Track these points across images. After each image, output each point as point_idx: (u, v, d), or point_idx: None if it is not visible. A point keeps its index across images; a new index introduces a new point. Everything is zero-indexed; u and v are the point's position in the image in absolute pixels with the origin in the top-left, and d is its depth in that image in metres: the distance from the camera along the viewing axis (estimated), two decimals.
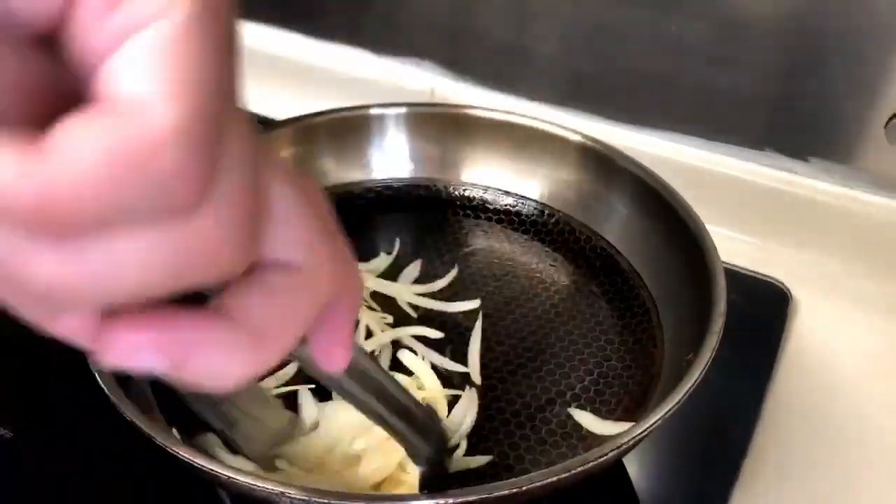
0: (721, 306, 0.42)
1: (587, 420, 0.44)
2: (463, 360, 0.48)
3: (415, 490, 0.39)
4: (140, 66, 0.15)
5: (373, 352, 0.48)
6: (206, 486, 0.42)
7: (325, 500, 0.33)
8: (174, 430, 0.41)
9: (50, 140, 0.14)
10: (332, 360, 0.24)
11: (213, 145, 0.16)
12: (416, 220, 0.59)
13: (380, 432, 0.39)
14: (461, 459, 0.42)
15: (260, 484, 0.33)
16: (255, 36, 0.78)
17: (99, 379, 0.37)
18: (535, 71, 0.68)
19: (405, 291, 0.52)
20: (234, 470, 0.35)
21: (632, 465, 0.46)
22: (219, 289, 0.19)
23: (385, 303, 0.52)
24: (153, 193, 0.15)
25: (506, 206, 0.59)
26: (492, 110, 0.59)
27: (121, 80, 0.15)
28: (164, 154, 0.15)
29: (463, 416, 0.44)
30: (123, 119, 0.14)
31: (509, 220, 0.58)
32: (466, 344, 0.49)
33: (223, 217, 0.16)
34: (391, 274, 0.54)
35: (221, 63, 0.16)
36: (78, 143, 0.14)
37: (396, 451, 0.40)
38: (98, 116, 0.14)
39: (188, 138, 0.15)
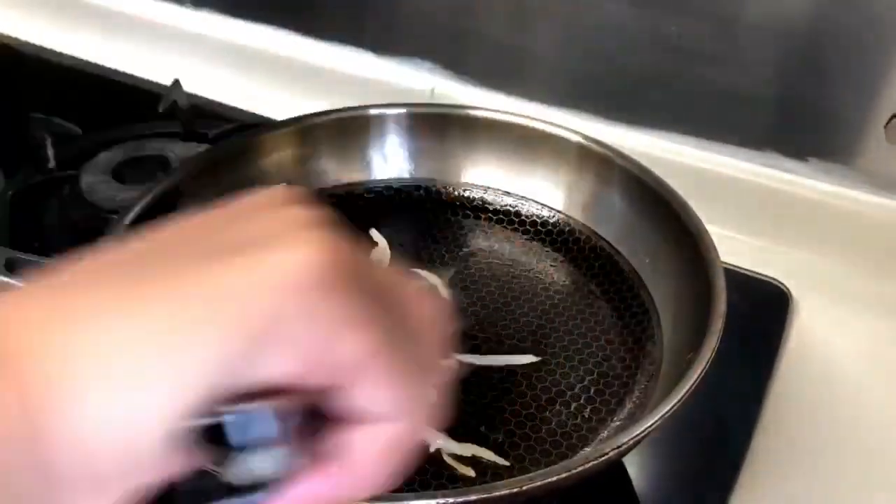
0: (721, 306, 0.42)
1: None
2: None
3: None
4: (378, 397, 0.22)
5: None
6: None
7: None
8: None
9: (349, 456, 0.23)
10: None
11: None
12: (416, 220, 0.59)
13: None
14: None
15: None
16: (256, 36, 0.78)
17: None
18: (535, 71, 0.68)
19: None
20: None
21: (632, 465, 0.46)
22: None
23: None
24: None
25: (506, 206, 0.59)
26: (492, 110, 0.59)
27: (370, 405, 0.22)
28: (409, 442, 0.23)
29: None
30: (385, 430, 0.23)
31: (509, 220, 0.58)
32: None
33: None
34: None
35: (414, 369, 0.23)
36: (372, 459, 0.23)
37: None
38: (376, 433, 0.23)
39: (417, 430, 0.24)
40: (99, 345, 0.19)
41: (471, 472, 0.41)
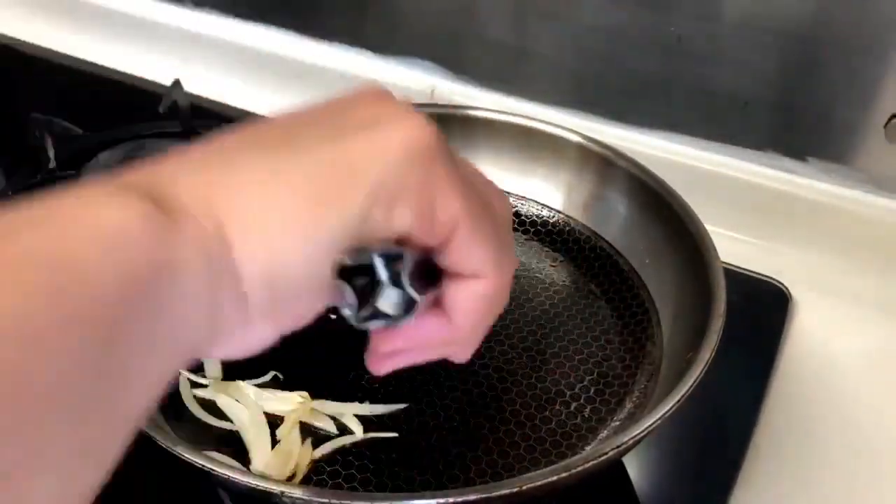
0: (721, 306, 0.42)
1: None
2: None
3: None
4: (468, 255, 0.29)
5: None
6: (207, 485, 0.42)
7: (325, 500, 0.33)
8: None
9: (453, 311, 0.30)
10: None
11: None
12: None
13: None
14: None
15: (260, 484, 0.33)
16: (256, 36, 0.78)
17: None
18: (535, 71, 0.68)
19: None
20: (234, 469, 0.35)
21: (632, 465, 0.46)
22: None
23: None
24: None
25: None
26: (492, 110, 0.59)
27: (465, 264, 0.29)
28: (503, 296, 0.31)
29: None
30: (478, 284, 0.29)
31: None
32: None
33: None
34: None
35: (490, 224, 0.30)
36: (468, 308, 0.30)
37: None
38: (470, 286, 0.29)
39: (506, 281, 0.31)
40: (253, 205, 0.24)
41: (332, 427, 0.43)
